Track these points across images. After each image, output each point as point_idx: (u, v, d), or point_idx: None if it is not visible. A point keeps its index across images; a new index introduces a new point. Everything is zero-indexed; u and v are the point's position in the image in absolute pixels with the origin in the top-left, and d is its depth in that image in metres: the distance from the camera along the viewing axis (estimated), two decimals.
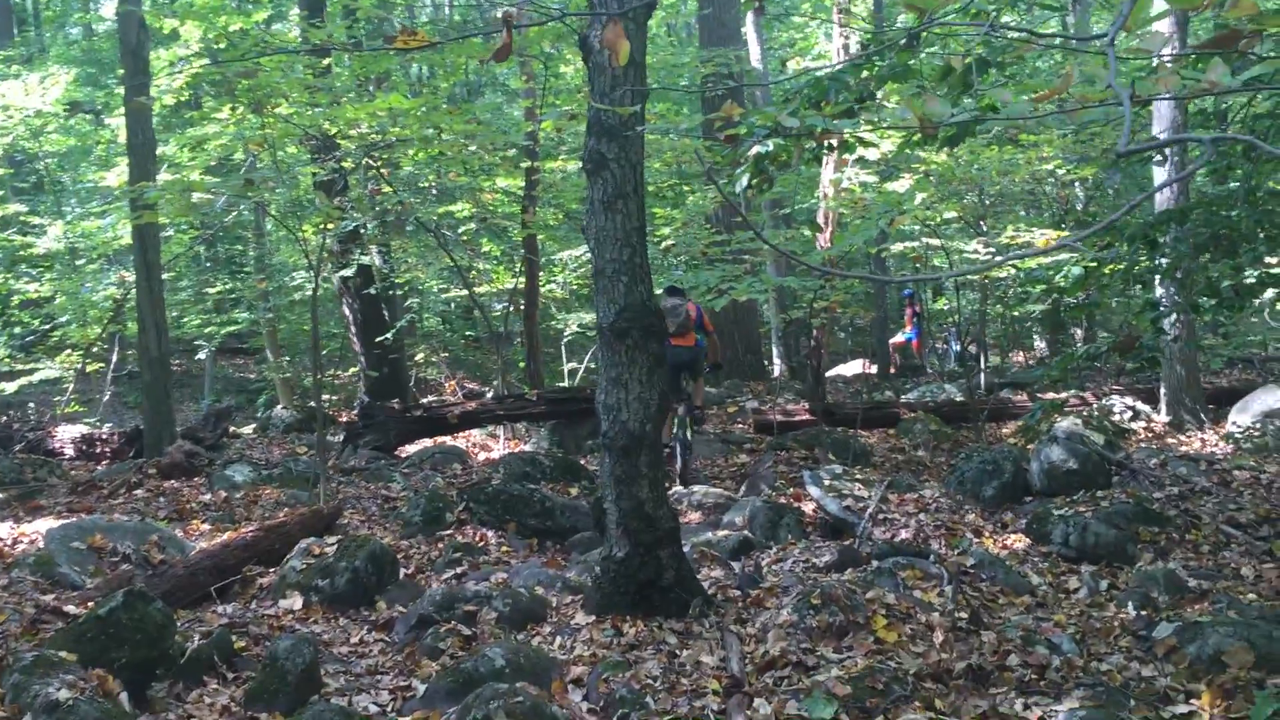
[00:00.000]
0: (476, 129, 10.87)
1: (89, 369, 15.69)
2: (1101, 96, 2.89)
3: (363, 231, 12.83)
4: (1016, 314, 17.35)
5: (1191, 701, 4.28)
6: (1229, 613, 4.99)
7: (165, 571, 6.14)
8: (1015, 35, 4.27)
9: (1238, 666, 4.45)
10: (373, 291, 14.33)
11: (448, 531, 7.73)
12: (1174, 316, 8.30)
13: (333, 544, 6.43)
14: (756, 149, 4.18)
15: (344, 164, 11.23)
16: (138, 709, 4.41)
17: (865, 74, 5.07)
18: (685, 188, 17.26)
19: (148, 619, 4.69)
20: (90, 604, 5.16)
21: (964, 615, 5.29)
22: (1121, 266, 6.58)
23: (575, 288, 16.85)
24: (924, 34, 4.80)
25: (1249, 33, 2.45)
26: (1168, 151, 9.24)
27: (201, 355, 19.00)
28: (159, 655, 4.69)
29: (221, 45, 11.80)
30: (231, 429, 12.90)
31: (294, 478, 9.48)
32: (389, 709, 4.67)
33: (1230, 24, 2.61)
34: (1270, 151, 1.51)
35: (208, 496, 8.76)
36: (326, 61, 11.60)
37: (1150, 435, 10.57)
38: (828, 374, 15.43)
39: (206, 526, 7.79)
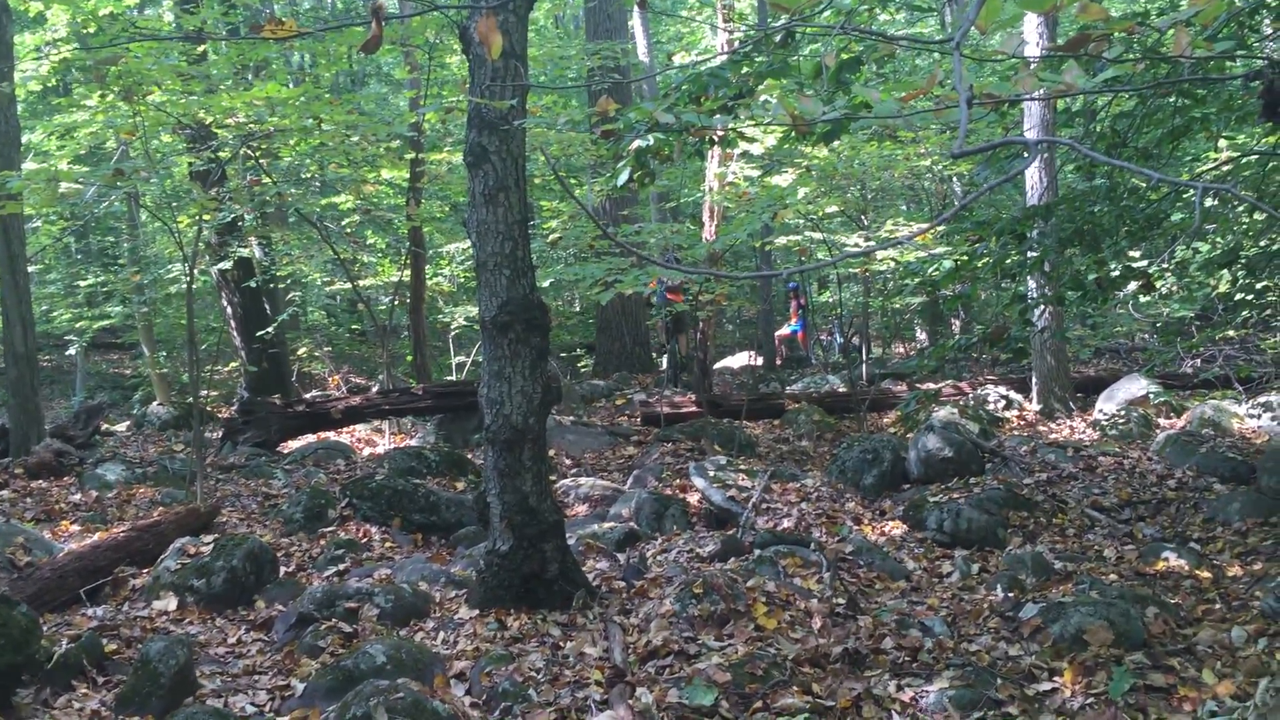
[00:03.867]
0: (359, 119, 10.71)
1: None
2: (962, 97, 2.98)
3: (241, 223, 12.53)
4: (897, 306, 17.74)
5: (1054, 679, 4.46)
6: (1091, 593, 5.20)
7: (31, 574, 5.92)
8: (871, 38, 4.39)
9: (1098, 644, 4.65)
10: (253, 284, 14.00)
11: (330, 528, 7.60)
12: (1042, 308, 8.62)
13: (209, 543, 6.29)
14: (637, 143, 4.22)
15: (221, 154, 10.95)
16: (3, 716, 4.26)
17: (745, 70, 5.15)
18: (572, 180, 17.25)
19: (11, 623, 4.53)
20: None
21: (841, 601, 5.43)
22: (992, 260, 6.79)
23: (462, 281, 16.71)
24: (800, 32, 4.88)
25: (1097, 36, 2.55)
26: (1037, 147, 9.55)
27: (72, 350, 18.35)
28: (24, 660, 4.54)
29: (91, 30, 11.40)
30: (104, 426, 12.47)
31: (170, 476, 9.21)
32: (267, 709, 4.59)
33: (1087, 27, 2.72)
34: (1092, 156, 1.59)
35: (78, 496, 8.47)
36: (202, 48, 11.29)
37: (1022, 423, 10.93)
38: (715, 366, 15.60)
39: (76, 527, 7.53)
